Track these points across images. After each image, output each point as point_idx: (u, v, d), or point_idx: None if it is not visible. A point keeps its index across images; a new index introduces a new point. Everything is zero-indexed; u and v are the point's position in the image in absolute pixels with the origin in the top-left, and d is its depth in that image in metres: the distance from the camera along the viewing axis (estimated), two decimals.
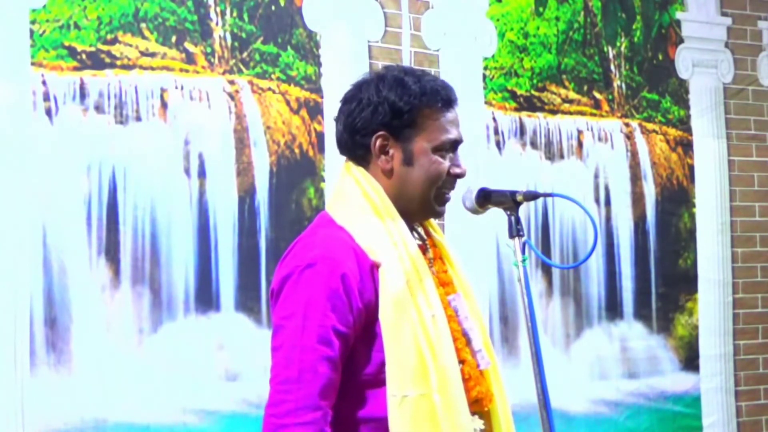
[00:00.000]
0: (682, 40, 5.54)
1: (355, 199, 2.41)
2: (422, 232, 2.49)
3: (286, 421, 2.24)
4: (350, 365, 2.32)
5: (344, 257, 2.32)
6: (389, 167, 2.41)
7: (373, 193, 2.40)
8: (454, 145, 2.42)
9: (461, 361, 2.37)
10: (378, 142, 2.40)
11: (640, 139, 5.39)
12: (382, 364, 2.30)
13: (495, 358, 2.47)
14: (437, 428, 2.28)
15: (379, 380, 2.30)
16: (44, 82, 3.95)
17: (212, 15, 4.34)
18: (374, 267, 2.34)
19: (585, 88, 5.27)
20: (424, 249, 2.45)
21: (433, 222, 2.51)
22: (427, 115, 2.40)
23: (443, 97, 2.40)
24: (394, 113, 2.39)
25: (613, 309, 5.25)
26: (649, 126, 5.43)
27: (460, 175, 2.42)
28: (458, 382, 2.34)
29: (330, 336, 2.27)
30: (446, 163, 2.41)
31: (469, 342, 2.41)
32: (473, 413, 2.38)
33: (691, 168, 5.51)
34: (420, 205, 2.43)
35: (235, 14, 4.38)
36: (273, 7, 4.48)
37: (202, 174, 4.24)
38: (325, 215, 2.44)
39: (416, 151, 2.41)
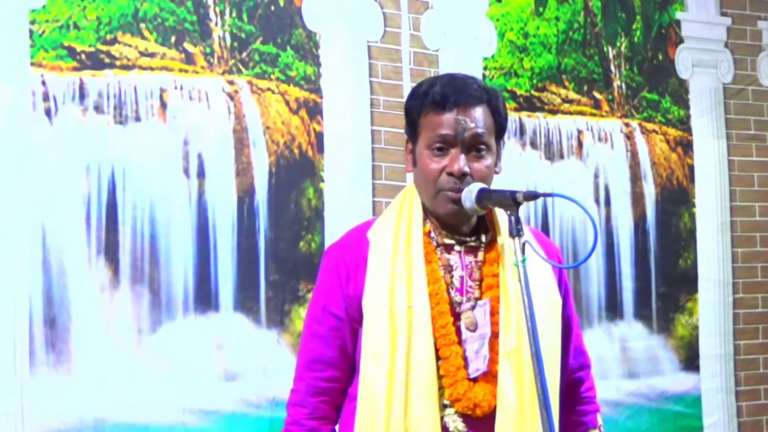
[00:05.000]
0: (682, 40, 5.54)
1: (397, 197, 2.60)
2: (485, 236, 2.55)
3: (291, 389, 2.57)
4: (354, 347, 2.51)
5: (347, 247, 2.53)
6: (410, 169, 2.56)
7: (409, 192, 2.57)
8: (446, 141, 2.47)
9: (441, 358, 2.43)
10: (406, 147, 2.58)
11: (640, 139, 5.39)
12: None
13: (523, 369, 2.44)
14: (375, 412, 2.40)
15: None
16: (44, 83, 3.95)
17: (212, 15, 4.34)
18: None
19: (585, 88, 5.27)
20: (475, 250, 2.52)
21: (506, 227, 2.51)
22: (423, 117, 2.50)
23: (433, 100, 2.48)
24: (406, 118, 2.57)
25: (613, 309, 5.25)
26: (649, 126, 5.42)
27: (452, 173, 2.46)
28: (421, 374, 2.41)
29: (320, 314, 2.51)
30: (439, 162, 2.48)
31: (461, 342, 2.44)
32: (458, 414, 2.43)
33: (691, 168, 5.51)
34: (431, 205, 2.52)
35: (234, 14, 4.38)
36: (272, 7, 4.48)
37: (201, 174, 4.24)
38: None
39: (418, 152, 2.52)
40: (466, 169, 2.46)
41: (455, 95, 2.47)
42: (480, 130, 2.47)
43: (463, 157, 2.46)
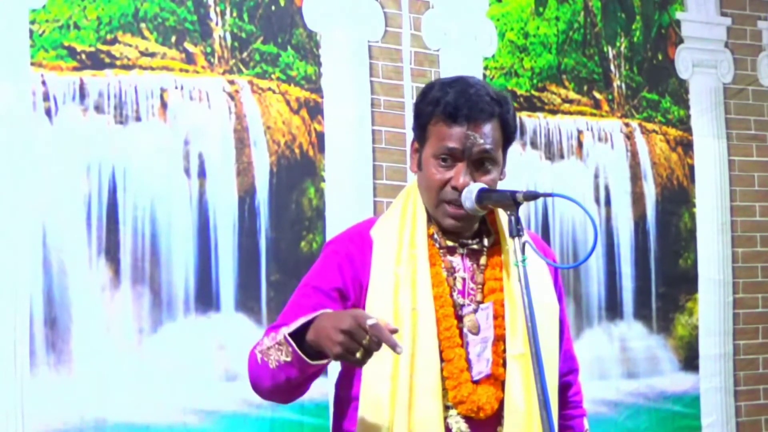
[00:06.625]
0: (681, 40, 5.54)
1: (399, 196, 2.59)
2: (488, 240, 2.55)
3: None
4: None
5: (351, 242, 2.51)
6: (415, 169, 2.56)
7: (411, 191, 2.56)
8: (453, 154, 2.47)
9: (445, 360, 2.44)
10: (412, 145, 2.57)
11: (640, 139, 5.39)
12: None
13: (530, 373, 2.42)
14: (378, 414, 2.40)
15: None
16: (44, 82, 3.95)
17: (212, 15, 4.34)
18: None
19: (585, 88, 5.27)
20: (477, 254, 2.52)
21: (510, 232, 2.48)
22: (433, 125, 2.49)
23: (448, 111, 2.46)
24: (414, 119, 2.55)
25: (613, 309, 5.25)
26: (649, 126, 5.43)
27: (456, 187, 2.47)
28: (426, 376, 2.41)
29: (310, 291, 2.50)
30: (444, 173, 2.48)
31: (465, 345, 2.44)
32: (461, 415, 2.44)
33: (691, 168, 5.51)
34: (432, 212, 2.53)
35: (235, 14, 4.38)
36: (273, 7, 4.48)
37: (202, 174, 4.24)
38: None
39: (424, 157, 2.52)
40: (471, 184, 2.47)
41: (467, 109, 2.45)
42: (488, 147, 2.47)
43: (468, 171, 2.46)
